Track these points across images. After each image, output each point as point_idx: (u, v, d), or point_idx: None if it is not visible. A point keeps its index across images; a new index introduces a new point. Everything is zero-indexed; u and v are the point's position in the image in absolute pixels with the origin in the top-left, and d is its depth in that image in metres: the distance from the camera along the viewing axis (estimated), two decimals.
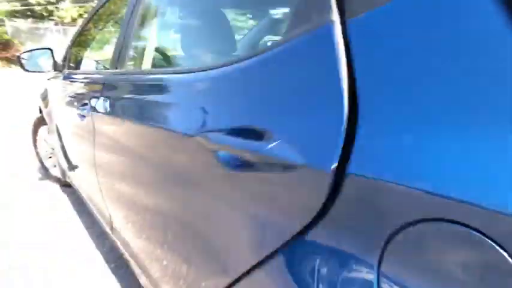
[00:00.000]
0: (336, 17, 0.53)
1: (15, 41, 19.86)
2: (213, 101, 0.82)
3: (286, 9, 1.00)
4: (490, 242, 0.34)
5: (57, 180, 3.12)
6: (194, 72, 0.91)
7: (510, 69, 0.35)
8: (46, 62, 2.41)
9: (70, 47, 2.50)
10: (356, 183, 0.46)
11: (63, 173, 2.75)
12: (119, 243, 1.58)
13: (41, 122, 3.17)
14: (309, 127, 0.54)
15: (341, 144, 0.48)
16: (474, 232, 0.35)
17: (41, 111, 3.14)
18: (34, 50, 2.53)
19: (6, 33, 20.00)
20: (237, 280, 0.68)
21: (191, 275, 0.93)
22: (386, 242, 0.43)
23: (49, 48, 2.47)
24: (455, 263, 0.37)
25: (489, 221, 0.34)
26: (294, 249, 0.56)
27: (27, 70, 2.38)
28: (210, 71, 0.83)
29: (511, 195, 0.32)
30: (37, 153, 3.36)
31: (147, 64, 1.38)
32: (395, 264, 0.43)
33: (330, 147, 0.49)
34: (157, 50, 1.38)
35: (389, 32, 0.48)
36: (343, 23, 0.53)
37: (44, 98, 2.93)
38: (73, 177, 2.40)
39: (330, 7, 0.54)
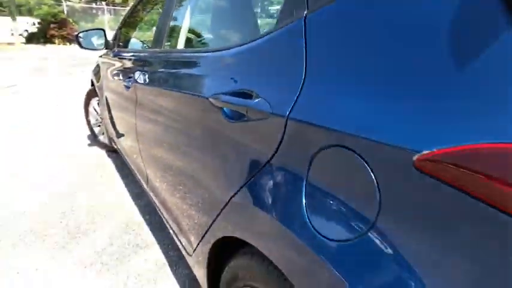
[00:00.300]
0: (302, 14, 0.77)
1: (70, 20, 21.00)
2: (222, 73, 1.09)
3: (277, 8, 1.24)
4: (359, 157, 0.58)
5: (104, 146, 3.54)
6: (210, 52, 1.19)
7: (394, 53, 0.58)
8: (99, 41, 2.76)
9: (120, 28, 2.85)
10: (296, 123, 0.71)
11: (110, 139, 3.14)
12: (151, 194, 1.91)
13: (92, 94, 3.58)
14: (280, 89, 0.80)
15: (294, 100, 0.73)
16: (353, 153, 0.59)
17: (92, 85, 3.55)
18: (89, 30, 2.89)
19: (63, 12, 21.20)
20: (234, 195, 0.95)
21: (201, 211, 1.21)
22: (311, 159, 0.68)
23: (102, 29, 2.83)
24: (344, 168, 0.62)
25: (363, 147, 0.58)
26: (265, 172, 0.82)
27: (83, 47, 2.75)
28: (221, 51, 1.11)
29: (376, 134, 0.56)
30: (88, 121, 3.80)
31: (179, 44, 1.67)
32: (316, 171, 0.68)
33: (289, 101, 0.74)
34: (187, 32, 1.66)
35: (329, 24, 0.72)
36: (304, 18, 0.77)
37: (96, 73, 3.32)
38: (118, 143, 2.77)
39: (302, 7, 0.78)
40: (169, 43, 1.76)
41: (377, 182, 0.55)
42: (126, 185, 2.85)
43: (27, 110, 5.28)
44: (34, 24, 19.93)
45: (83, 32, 2.81)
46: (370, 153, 0.57)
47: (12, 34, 18.23)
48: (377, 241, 0.56)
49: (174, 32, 1.73)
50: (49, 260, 1.91)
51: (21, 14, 20.93)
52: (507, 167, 0.41)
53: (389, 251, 0.54)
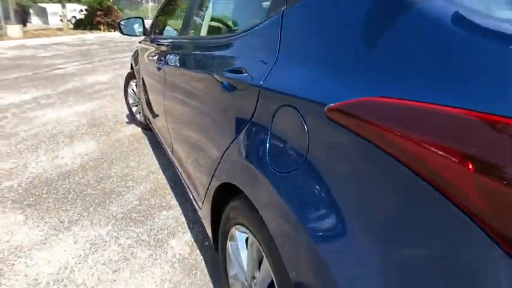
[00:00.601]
0: (282, 9, 1.01)
1: (116, 8, 21.95)
2: (225, 56, 1.36)
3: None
4: (298, 112, 0.82)
5: (140, 123, 3.91)
6: (218, 39, 1.47)
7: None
8: (138, 28, 3.09)
9: (157, 17, 3.17)
10: (265, 90, 0.96)
11: (145, 118, 3.49)
12: (175, 162, 2.21)
13: (131, 77, 3.96)
14: (260, 67, 1.05)
15: (266, 74, 0.98)
16: (294, 109, 0.84)
17: (132, 68, 3.92)
18: (130, 18, 3.23)
19: (108, 0, 22.17)
20: (226, 150, 1.21)
21: (206, 168, 1.48)
22: (273, 115, 0.93)
23: (140, 18, 3.16)
24: (291, 121, 0.87)
25: (300, 104, 0.82)
26: (247, 129, 1.08)
27: (124, 34, 3.09)
28: (226, 38, 1.38)
29: (307, 94, 0.80)
30: (127, 102, 4.19)
31: (196, 32, 1.98)
32: (275, 125, 0.93)
33: (263, 75, 0.99)
34: (203, 22, 1.94)
35: (297, 18, 0.96)
36: (283, 12, 1.01)
37: (135, 57, 3.67)
38: (151, 120, 3.10)
39: (282, 3, 1.02)
40: (191, 31, 2.05)
41: (308, 129, 0.80)
42: (157, 158, 3.19)
43: (65, 91, 5.79)
44: (81, 11, 20.98)
45: (124, 20, 3.15)
46: (303, 108, 0.81)
47: (61, 20, 19.32)
48: (308, 171, 0.80)
49: (194, 21, 2.02)
50: (85, 213, 2.26)
51: (70, 1, 22.09)
52: (383, 114, 0.64)
53: (317, 176, 0.78)
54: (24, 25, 17.51)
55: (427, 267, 0.56)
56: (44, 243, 1.96)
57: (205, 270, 1.78)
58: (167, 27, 3.07)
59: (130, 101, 4.09)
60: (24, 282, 1.68)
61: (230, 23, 1.72)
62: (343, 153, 0.72)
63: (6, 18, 15.52)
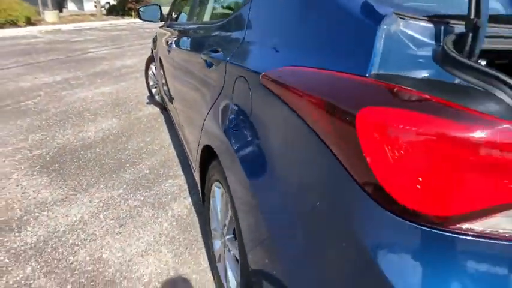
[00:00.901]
0: None
1: None
2: (211, 38, 1.57)
3: None
4: (246, 80, 1.03)
5: (158, 104, 4.20)
6: (207, 24, 1.69)
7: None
8: (156, 15, 3.35)
9: (173, 4, 3.41)
10: (229, 65, 1.18)
11: (162, 98, 3.76)
12: (179, 131, 2.47)
13: (151, 60, 4.24)
14: (231, 46, 1.26)
15: (233, 52, 1.19)
16: (244, 79, 1.05)
17: (152, 52, 4.20)
18: (148, 5, 3.49)
19: None
20: (205, 117, 1.44)
21: (196, 136, 1.72)
22: (233, 85, 1.14)
23: (158, 5, 3.40)
24: (242, 89, 1.08)
25: (247, 75, 1.03)
26: (218, 100, 1.30)
27: (143, 19, 3.36)
28: (212, 24, 1.60)
29: (252, 66, 1.01)
30: (147, 84, 4.48)
31: (195, 19, 2.22)
32: (235, 94, 1.14)
33: (231, 53, 1.20)
34: (200, 10, 2.17)
35: (261, 4, 1.16)
36: (250, 1, 1.22)
37: (154, 41, 3.94)
38: (166, 101, 3.37)
39: None
40: (194, 17, 2.28)
41: (251, 94, 1.01)
42: (171, 135, 3.46)
43: (94, 73, 6.16)
44: None
45: (143, 6, 3.41)
46: (249, 77, 1.03)
47: (95, 6, 19.96)
48: (251, 127, 1.02)
49: (197, 9, 2.26)
50: (101, 179, 2.56)
51: None
52: (288, 78, 0.85)
53: (255, 129, 1.00)
54: (60, 11, 18.29)
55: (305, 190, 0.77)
56: (64, 201, 2.27)
57: (198, 229, 2.03)
58: (182, 14, 3.30)
59: (150, 83, 4.38)
60: (45, 230, 1.98)
61: (220, 11, 1.94)
62: (271, 110, 0.94)
63: (44, 4, 16.27)
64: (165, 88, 3.24)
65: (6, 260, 1.76)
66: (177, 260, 1.79)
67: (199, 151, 1.59)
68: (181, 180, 2.58)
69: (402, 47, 0.65)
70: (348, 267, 0.66)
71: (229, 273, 1.35)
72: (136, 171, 2.70)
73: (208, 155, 1.55)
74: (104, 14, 20.57)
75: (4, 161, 2.81)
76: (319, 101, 0.71)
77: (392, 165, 0.58)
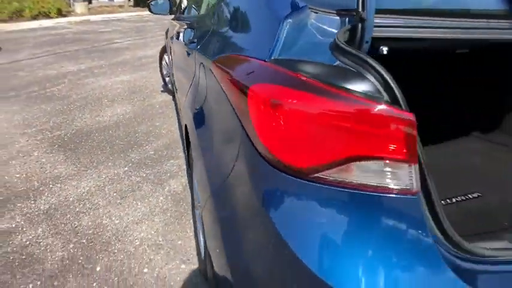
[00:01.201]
0: None
1: None
2: (196, 30, 1.77)
3: None
4: (204, 67, 1.23)
5: (170, 92, 4.46)
6: (198, 17, 1.88)
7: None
8: (165, 7, 3.57)
9: None
10: (197, 52, 1.38)
11: (173, 87, 4.00)
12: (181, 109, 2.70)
13: (164, 50, 4.48)
14: (202, 38, 1.45)
15: (202, 42, 1.39)
16: (204, 66, 1.25)
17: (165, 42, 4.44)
18: None
19: None
20: (185, 99, 1.65)
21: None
22: (199, 71, 1.34)
23: None
24: (203, 73, 1.28)
25: (206, 62, 1.23)
26: (193, 82, 1.50)
27: (153, 12, 3.59)
28: (202, 17, 1.80)
29: (212, 56, 1.21)
30: (161, 73, 4.74)
31: (192, 12, 2.41)
32: (201, 78, 1.34)
33: (200, 43, 1.40)
34: (197, 5, 2.37)
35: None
36: None
37: (167, 33, 4.18)
38: (174, 89, 3.61)
39: None
40: (195, 10, 2.49)
41: (207, 80, 1.21)
42: (178, 120, 3.70)
43: (116, 63, 6.49)
44: None
45: (153, 0, 3.64)
46: (207, 64, 1.22)
47: None
48: (206, 108, 1.22)
49: (196, 2, 2.45)
50: (111, 157, 2.83)
51: None
52: (227, 65, 1.04)
53: (206, 109, 1.20)
54: (90, 2, 18.90)
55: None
56: (76, 176, 2.55)
57: (190, 204, 2.26)
58: (189, 7, 3.52)
59: (164, 72, 4.63)
60: (57, 199, 2.27)
61: (212, 3, 2.14)
62: (217, 91, 1.13)
63: None
64: (173, 78, 3.48)
65: (22, 223, 2.05)
66: (166, 228, 2.03)
67: (184, 131, 1.81)
68: (182, 161, 2.81)
69: (309, 36, 0.83)
70: (245, 212, 0.87)
71: (200, 236, 1.57)
72: (142, 151, 2.96)
73: (187, 133, 1.77)
74: (131, 6, 21.09)
75: (27, 140, 3.14)
76: (233, 79, 0.90)
77: (272, 128, 0.77)
